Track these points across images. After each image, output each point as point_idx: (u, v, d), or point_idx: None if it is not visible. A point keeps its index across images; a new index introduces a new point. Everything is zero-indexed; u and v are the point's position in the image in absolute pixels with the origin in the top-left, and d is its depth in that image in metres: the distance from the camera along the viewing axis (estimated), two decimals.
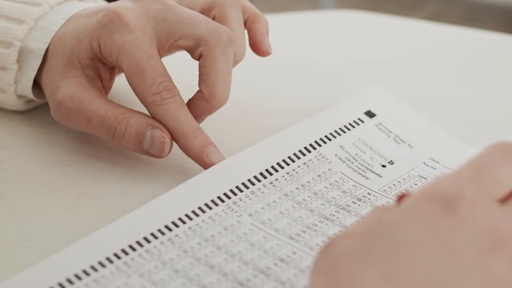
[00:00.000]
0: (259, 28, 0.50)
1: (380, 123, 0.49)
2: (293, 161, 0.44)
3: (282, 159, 0.44)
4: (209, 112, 0.45)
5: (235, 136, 0.50)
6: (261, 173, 0.43)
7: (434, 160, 0.46)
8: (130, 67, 0.43)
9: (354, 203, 0.42)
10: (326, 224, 0.39)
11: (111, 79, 0.48)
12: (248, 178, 0.42)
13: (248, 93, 0.57)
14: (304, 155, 0.45)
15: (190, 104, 0.45)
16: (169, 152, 0.44)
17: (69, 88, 0.44)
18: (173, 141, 0.44)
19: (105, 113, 0.44)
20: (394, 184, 0.44)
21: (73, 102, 0.44)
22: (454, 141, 0.49)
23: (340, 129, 0.48)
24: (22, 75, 0.47)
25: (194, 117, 0.44)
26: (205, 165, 0.43)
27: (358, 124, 0.49)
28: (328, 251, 0.28)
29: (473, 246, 0.26)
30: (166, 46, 0.45)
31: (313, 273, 0.28)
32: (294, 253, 0.37)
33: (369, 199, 0.42)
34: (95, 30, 0.44)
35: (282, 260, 0.36)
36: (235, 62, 0.47)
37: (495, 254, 0.26)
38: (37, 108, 0.52)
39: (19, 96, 0.49)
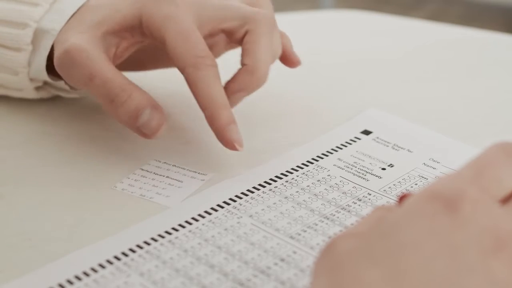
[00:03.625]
0: (287, 42, 0.52)
1: (377, 137, 0.49)
2: (291, 173, 0.45)
3: (281, 172, 0.45)
4: (250, 86, 0.45)
5: None
6: (260, 184, 0.43)
7: (434, 161, 0.46)
8: (174, 32, 0.43)
9: (355, 203, 0.42)
10: (327, 223, 0.39)
11: (126, 50, 0.47)
12: (247, 188, 0.43)
13: None
14: (301, 168, 0.45)
15: (233, 79, 0.45)
16: (159, 136, 0.43)
17: (82, 41, 0.44)
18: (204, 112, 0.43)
19: (111, 76, 0.43)
20: (394, 185, 0.44)
21: (81, 54, 0.43)
22: (454, 143, 0.49)
23: (337, 146, 0.48)
24: (36, 56, 0.48)
25: (234, 93, 0.44)
26: (225, 140, 0.43)
27: (355, 141, 0.49)
28: (329, 250, 0.28)
29: (475, 246, 0.26)
30: (206, 32, 0.45)
31: (314, 273, 0.28)
32: (295, 252, 0.37)
33: (369, 199, 0.42)
34: (140, 1, 0.44)
35: (282, 260, 0.36)
36: (273, 58, 0.48)
37: (496, 254, 0.26)
38: (37, 107, 0.52)
39: (31, 80, 0.49)
